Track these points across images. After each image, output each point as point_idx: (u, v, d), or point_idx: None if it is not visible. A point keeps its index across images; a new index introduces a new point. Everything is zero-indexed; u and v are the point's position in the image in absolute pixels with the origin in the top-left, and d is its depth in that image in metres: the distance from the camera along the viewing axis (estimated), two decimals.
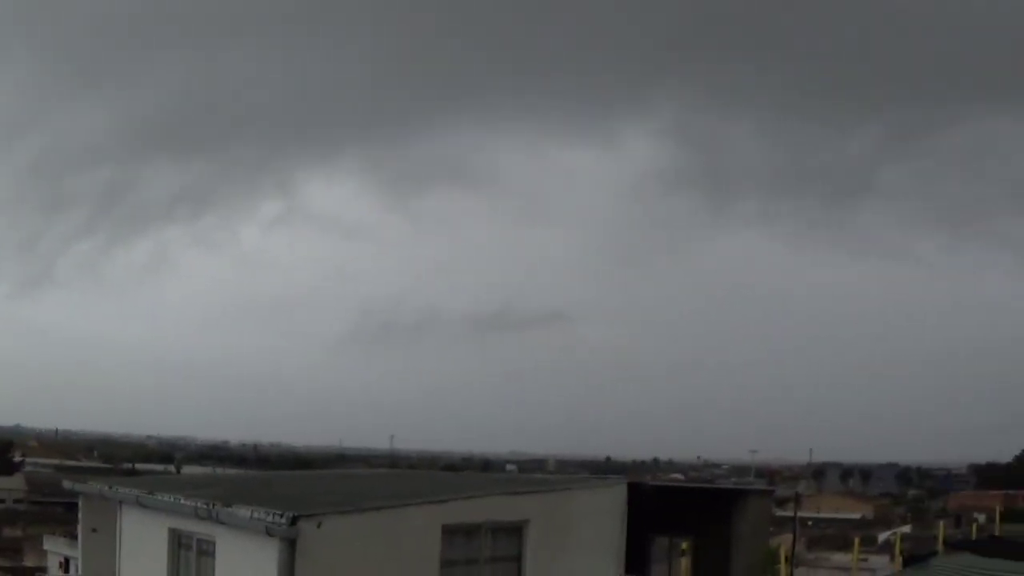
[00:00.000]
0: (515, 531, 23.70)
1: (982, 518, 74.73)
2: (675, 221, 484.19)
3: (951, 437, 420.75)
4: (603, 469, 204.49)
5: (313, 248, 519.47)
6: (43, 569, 62.30)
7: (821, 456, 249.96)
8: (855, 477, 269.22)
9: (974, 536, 35.62)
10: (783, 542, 34.86)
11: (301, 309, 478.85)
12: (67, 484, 30.32)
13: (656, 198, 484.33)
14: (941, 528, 35.33)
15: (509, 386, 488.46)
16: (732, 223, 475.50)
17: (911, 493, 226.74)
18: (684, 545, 26.89)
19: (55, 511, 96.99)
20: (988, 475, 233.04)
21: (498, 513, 23.42)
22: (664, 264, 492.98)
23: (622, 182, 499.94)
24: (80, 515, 29.08)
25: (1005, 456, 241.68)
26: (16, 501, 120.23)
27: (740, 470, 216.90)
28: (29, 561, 71.77)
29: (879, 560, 51.10)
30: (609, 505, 26.56)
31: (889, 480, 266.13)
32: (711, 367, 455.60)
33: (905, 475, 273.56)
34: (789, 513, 74.73)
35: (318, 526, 18.51)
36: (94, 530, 28.02)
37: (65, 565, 59.43)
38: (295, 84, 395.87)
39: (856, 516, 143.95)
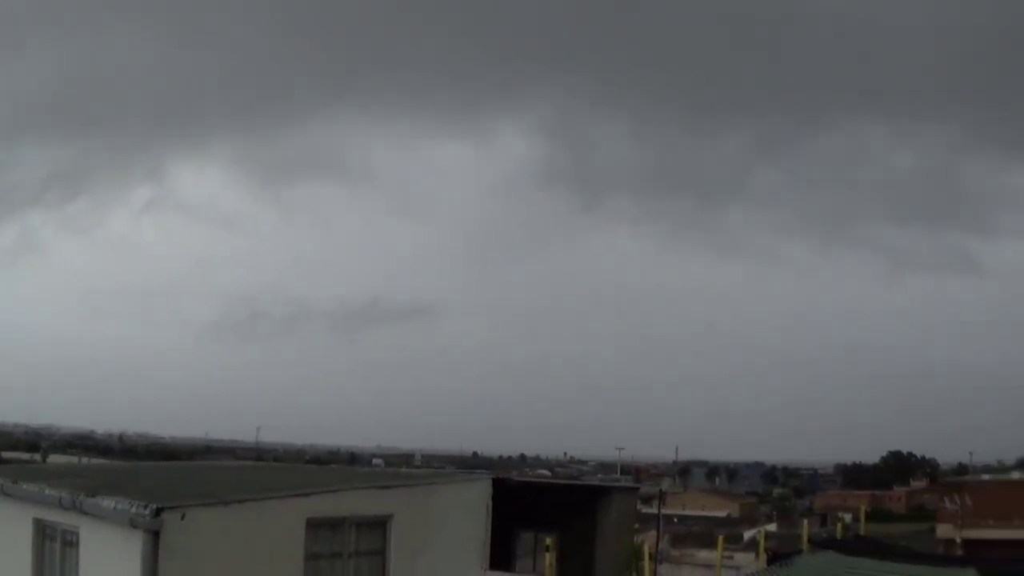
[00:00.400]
0: (380, 525, 24.15)
1: (848, 517, 77.04)
2: (546, 218, 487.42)
3: (818, 438, 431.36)
4: (470, 464, 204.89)
5: (182, 236, 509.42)
6: None
7: (688, 454, 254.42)
8: (721, 475, 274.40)
9: (839, 535, 36.82)
10: (648, 539, 35.78)
11: (169, 297, 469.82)
12: None
13: (527, 195, 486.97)
14: (805, 527, 36.39)
15: (377, 380, 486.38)
16: (603, 222, 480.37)
17: (777, 492, 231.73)
18: (549, 541, 27.53)
19: None
20: (854, 475, 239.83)
21: (363, 507, 23.86)
22: (534, 261, 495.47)
23: (494, 178, 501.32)
24: None
25: (871, 457, 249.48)
26: None
27: (607, 467, 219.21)
28: None
29: (744, 558, 52.35)
30: (474, 500, 27.14)
31: (755, 479, 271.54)
32: (579, 365, 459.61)
33: (771, 474, 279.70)
34: (654, 510, 76.30)
35: (182, 518, 18.79)
36: None
37: None
38: (169, 70, 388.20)
39: (722, 514, 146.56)
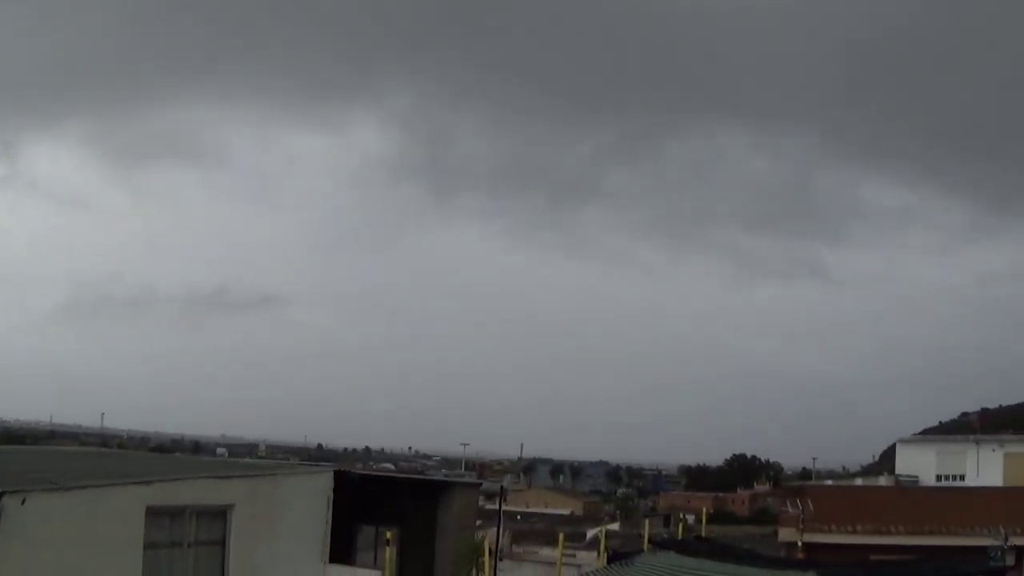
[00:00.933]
0: (220, 515, 24.55)
1: (691, 519, 78.97)
2: (398, 211, 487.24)
3: (663, 439, 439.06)
4: (314, 457, 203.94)
5: (32, 216, 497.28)
6: None
7: (533, 452, 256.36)
8: (566, 473, 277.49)
9: (680, 536, 38.05)
10: (489, 535, 36.53)
11: (15, 278, 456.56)
12: None
13: (380, 187, 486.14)
14: (647, 526, 37.61)
15: (224, 368, 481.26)
16: (455, 217, 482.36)
17: (621, 491, 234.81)
18: (389, 535, 28.14)
19: None
20: (698, 477, 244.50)
21: (203, 497, 24.25)
22: (386, 254, 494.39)
23: (348, 169, 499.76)
24: None
25: (716, 460, 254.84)
26: None
27: (451, 463, 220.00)
28: None
29: (586, 556, 53.41)
30: (315, 493, 27.67)
31: (600, 478, 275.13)
32: (427, 360, 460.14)
33: (616, 474, 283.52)
34: (497, 507, 77.20)
35: (22, 503, 19.00)
36: None
37: None
38: (24, 48, 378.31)
39: (565, 512, 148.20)
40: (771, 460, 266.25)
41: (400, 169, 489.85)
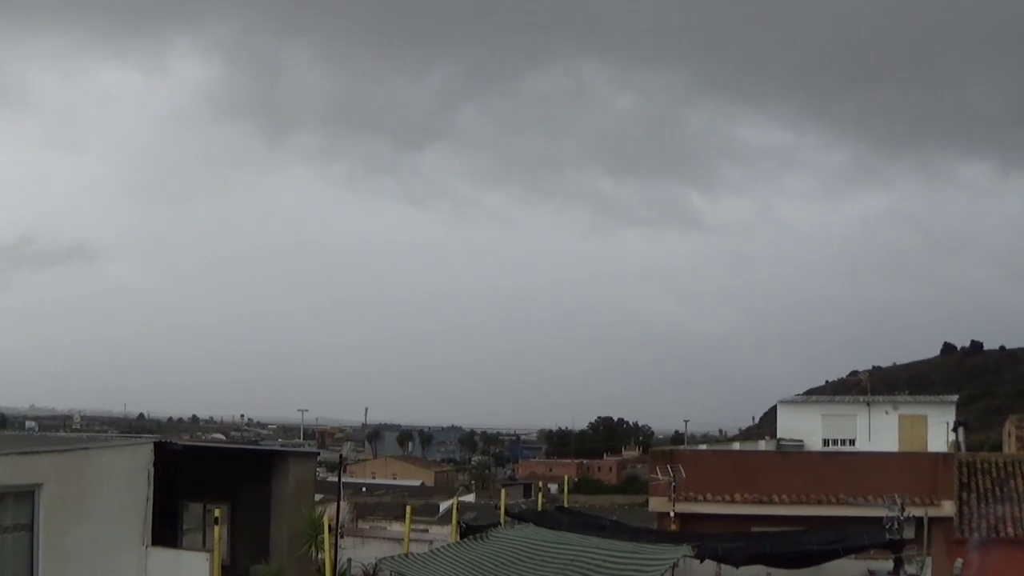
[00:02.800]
0: (27, 496, 24.12)
1: (554, 488, 79.70)
2: (224, 153, 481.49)
3: (521, 402, 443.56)
4: (135, 428, 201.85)
5: None
6: None
7: (378, 418, 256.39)
8: (415, 441, 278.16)
9: (540, 507, 38.27)
10: (330, 510, 36.43)
11: None
12: None
13: (204, 127, 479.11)
14: (504, 497, 37.77)
15: (31, 330, 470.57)
16: (287, 159, 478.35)
17: (476, 459, 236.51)
18: (218, 512, 27.90)
19: None
20: (561, 443, 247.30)
21: (8, 476, 23.77)
22: (211, 201, 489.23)
23: (167, 107, 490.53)
24: None
25: (579, 423, 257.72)
26: None
27: (289, 431, 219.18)
28: None
29: (440, 531, 53.65)
30: (134, 468, 27.39)
31: (452, 445, 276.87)
32: (260, 318, 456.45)
33: (470, 440, 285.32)
34: (346, 478, 77.04)
35: None
36: None
37: None
38: None
39: (415, 483, 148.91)
40: (640, 424, 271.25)
41: (226, 107, 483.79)
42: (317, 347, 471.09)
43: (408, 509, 34.04)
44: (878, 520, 27.50)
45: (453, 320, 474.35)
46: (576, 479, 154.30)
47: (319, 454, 45.76)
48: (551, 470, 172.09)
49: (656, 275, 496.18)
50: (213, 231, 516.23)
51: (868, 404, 60.28)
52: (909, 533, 28.46)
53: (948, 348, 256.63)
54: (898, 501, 27.66)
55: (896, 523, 26.72)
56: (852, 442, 57.76)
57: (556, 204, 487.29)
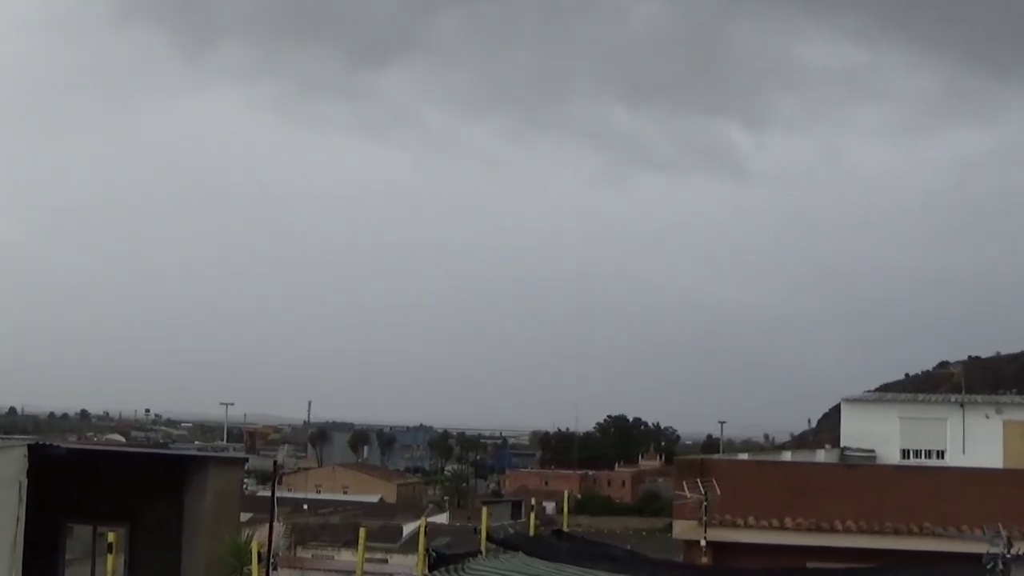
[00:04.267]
0: None
1: (550, 507, 79.76)
2: (123, 69, 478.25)
3: (509, 396, 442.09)
4: (5, 426, 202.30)
5: None
6: None
7: (325, 414, 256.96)
8: (372, 444, 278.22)
9: (532, 531, 38.04)
10: (260, 533, 36.13)
11: None
12: None
13: (96, 35, 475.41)
14: (484, 517, 37.43)
15: None
16: (208, 78, 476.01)
17: (451, 469, 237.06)
18: (112, 537, 27.41)
19: None
20: (559, 448, 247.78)
21: None
22: (103, 131, 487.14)
23: (45, 9, 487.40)
24: None
25: (584, 424, 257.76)
26: None
27: (208, 430, 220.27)
28: None
29: (403, 561, 53.49)
30: (0, 478, 26.80)
31: (420, 450, 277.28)
32: (169, 285, 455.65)
33: (443, 443, 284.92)
34: (281, 492, 76.91)
35: None
36: None
37: None
38: None
39: (372, 499, 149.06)
40: (662, 425, 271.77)
41: (126, 7, 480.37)
42: (245, 323, 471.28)
43: (362, 532, 33.80)
44: (976, 558, 27.05)
45: (421, 291, 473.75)
46: (579, 495, 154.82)
47: (247, 460, 45.44)
48: (547, 483, 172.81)
49: (685, 236, 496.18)
50: (107, 171, 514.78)
51: (962, 405, 59.86)
52: (1018, 574, 28.04)
53: None
54: (1003, 533, 27.19)
55: (1000, 562, 26.26)
56: (941, 454, 57.48)
57: (557, 142, 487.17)
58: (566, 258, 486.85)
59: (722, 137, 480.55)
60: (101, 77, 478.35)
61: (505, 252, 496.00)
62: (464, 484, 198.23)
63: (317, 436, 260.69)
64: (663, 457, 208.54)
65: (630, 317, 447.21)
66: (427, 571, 29.87)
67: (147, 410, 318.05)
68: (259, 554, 29.54)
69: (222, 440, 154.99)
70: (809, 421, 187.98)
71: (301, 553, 58.35)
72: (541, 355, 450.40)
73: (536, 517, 40.29)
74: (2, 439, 34.00)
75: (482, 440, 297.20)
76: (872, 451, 57.47)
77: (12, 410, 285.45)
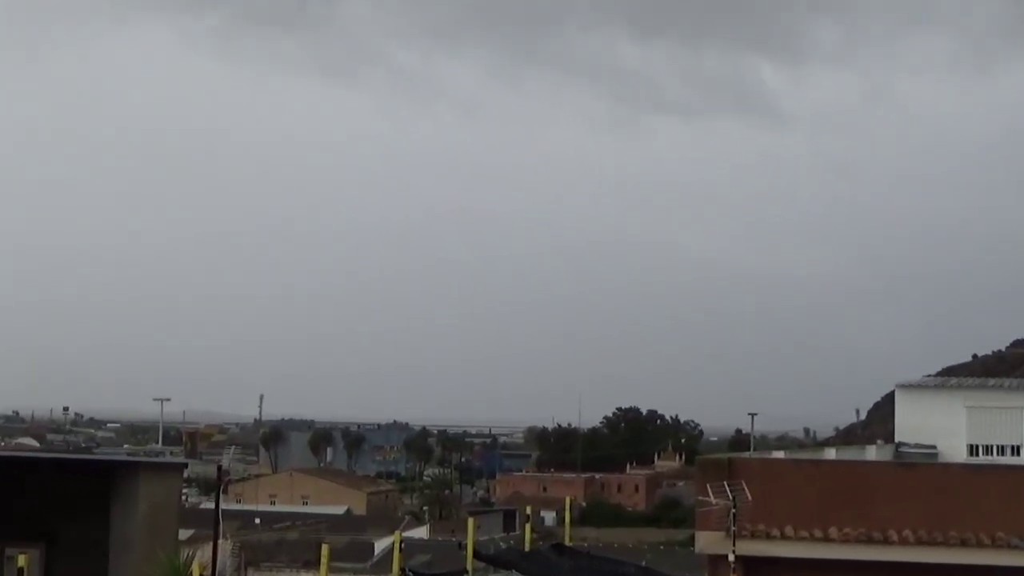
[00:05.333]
0: None
1: (549, 517, 79.97)
2: (39, 2, 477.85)
3: (500, 388, 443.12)
4: None
5: None
6: None
7: (280, 410, 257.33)
8: (336, 445, 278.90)
9: (528, 546, 38.15)
10: (203, 552, 36.24)
11: None
12: None
13: None
14: (471, 530, 37.57)
15: None
16: (133, 10, 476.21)
17: (431, 473, 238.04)
18: (24, 559, 27.56)
19: None
20: (559, 447, 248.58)
21: None
22: (10, 71, 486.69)
23: None
24: None
25: (588, 419, 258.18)
26: None
27: (139, 431, 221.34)
28: None
29: None
30: None
31: (395, 451, 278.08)
32: (89, 252, 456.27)
33: (421, 443, 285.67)
34: (228, 503, 77.15)
35: None
36: None
37: None
38: None
39: (338, 510, 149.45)
40: (682, 419, 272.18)
41: None
42: (183, 302, 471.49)
43: (325, 550, 33.86)
44: None
45: (389, 262, 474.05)
46: (584, 503, 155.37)
47: (187, 466, 45.56)
48: (545, 489, 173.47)
49: (706, 191, 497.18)
50: (15, 118, 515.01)
51: None
52: None
53: None
54: None
55: None
56: (1016, 450, 57.55)
57: (553, 81, 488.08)
58: (563, 219, 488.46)
59: (750, 73, 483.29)
60: (7, 9, 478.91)
61: (489, 212, 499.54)
62: (447, 491, 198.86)
63: (271, 436, 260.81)
64: (683, 457, 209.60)
65: (642, 290, 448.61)
66: None
67: (66, 408, 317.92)
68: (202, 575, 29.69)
69: (156, 443, 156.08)
70: (857, 412, 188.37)
71: (253, 575, 58.59)
72: (537, 337, 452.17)
73: (533, 529, 40.40)
74: None
75: (468, 439, 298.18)
76: (933, 447, 57.58)
77: None
